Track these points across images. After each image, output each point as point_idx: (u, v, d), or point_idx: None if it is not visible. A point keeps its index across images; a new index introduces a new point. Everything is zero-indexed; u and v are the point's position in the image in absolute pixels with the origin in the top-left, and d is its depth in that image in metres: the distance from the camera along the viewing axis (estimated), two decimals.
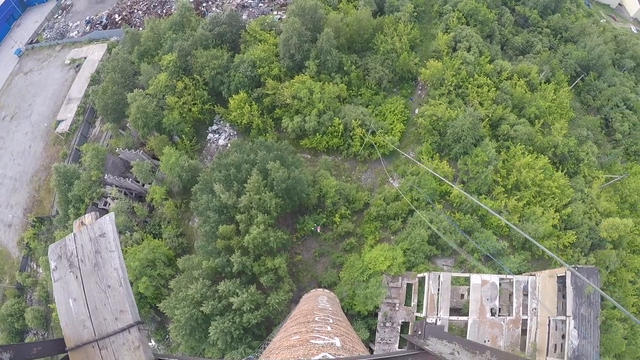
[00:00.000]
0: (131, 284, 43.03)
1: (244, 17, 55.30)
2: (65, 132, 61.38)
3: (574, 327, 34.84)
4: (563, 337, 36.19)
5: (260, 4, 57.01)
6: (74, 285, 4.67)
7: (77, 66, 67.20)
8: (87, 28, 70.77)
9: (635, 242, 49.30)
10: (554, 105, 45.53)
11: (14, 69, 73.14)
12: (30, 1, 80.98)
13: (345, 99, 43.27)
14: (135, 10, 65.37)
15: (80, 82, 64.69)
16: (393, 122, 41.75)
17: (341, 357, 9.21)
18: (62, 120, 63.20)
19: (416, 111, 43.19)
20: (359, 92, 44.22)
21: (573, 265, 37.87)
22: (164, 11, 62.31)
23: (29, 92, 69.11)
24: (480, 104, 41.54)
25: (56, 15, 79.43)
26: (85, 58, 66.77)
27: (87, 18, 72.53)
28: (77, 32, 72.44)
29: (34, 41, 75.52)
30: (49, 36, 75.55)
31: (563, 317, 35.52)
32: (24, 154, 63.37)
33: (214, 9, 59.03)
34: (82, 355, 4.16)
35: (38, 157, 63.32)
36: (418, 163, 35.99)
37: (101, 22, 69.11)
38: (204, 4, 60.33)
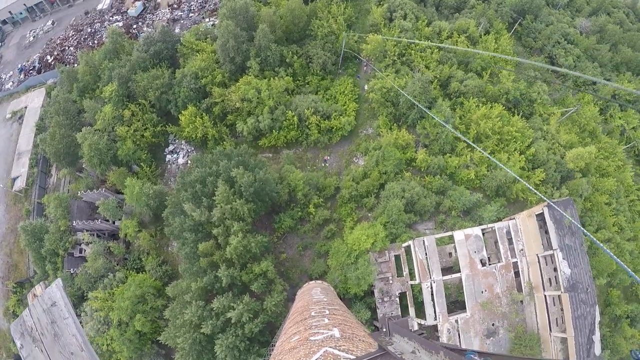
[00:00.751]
0: (127, 324, 42.45)
1: (177, 30, 53.83)
2: (23, 188, 58.66)
3: (563, 258, 35.92)
4: (555, 270, 37.40)
5: (190, 14, 55.56)
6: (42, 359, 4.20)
7: (19, 118, 64.00)
8: (22, 76, 67.31)
9: (602, 166, 51.56)
10: (498, 53, 46.59)
11: None
12: None
13: (294, 90, 42.92)
14: (67, 47, 62.51)
15: (27, 134, 61.69)
16: (345, 102, 41.78)
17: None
18: (17, 177, 60.32)
19: (365, 87, 43.39)
20: (306, 81, 43.96)
21: (548, 201, 38.92)
22: (96, 42, 59.86)
23: None
24: (427, 67, 42.06)
25: None
26: (26, 107, 63.63)
27: (20, 66, 68.97)
28: (12, 82, 68.82)
29: None
30: None
31: (550, 252, 36.56)
32: None
33: (145, 28, 57.13)
34: None
35: (2, 220, 60.35)
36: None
37: (34, 67, 65.84)
38: (134, 26, 58.28)
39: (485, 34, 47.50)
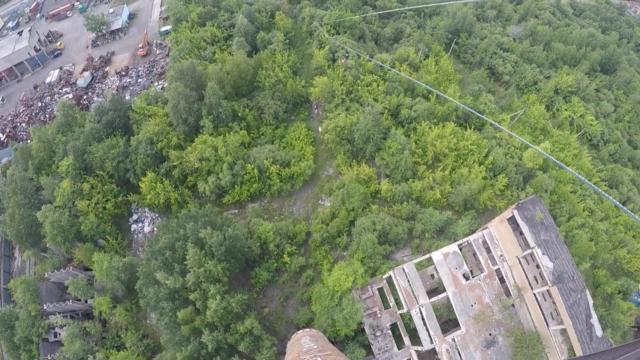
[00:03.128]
0: None
1: (127, 97, 53.90)
2: None
3: (543, 254, 36.41)
4: (538, 266, 37.95)
5: (139, 80, 55.91)
6: None
7: None
8: None
9: (559, 158, 54.02)
10: (439, 75, 49.17)
11: None
12: None
13: (250, 143, 43.37)
14: (18, 124, 61.00)
15: None
16: (302, 147, 42.48)
17: None
18: None
19: (319, 129, 44.40)
20: (261, 132, 44.58)
21: (516, 203, 40.01)
22: (47, 116, 58.81)
23: None
24: (375, 99, 43.68)
25: None
26: None
27: None
28: None
29: None
30: None
31: (529, 250, 37.08)
32: None
33: (95, 98, 56.86)
34: None
35: None
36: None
37: None
38: (85, 97, 57.88)
39: (425, 59, 50.17)
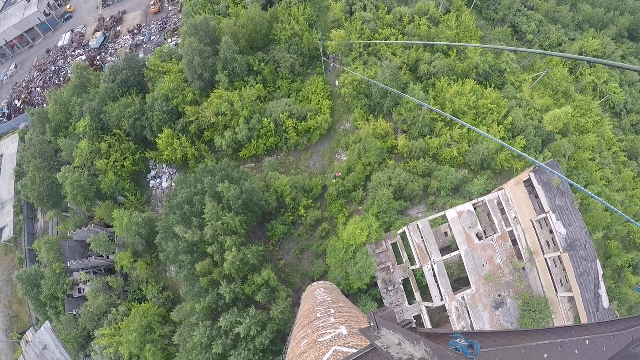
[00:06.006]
0: (138, 357, 42.08)
1: (141, 55, 53.38)
2: (11, 237, 57.64)
3: (557, 219, 36.12)
4: (551, 232, 37.72)
5: (152, 37, 55.12)
6: None
7: None
8: None
9: (580, 124, 52.47)
10: (461, 31, 47.14)
11: None
12: None
13: (266, 97, 42.85)
14: (33, 89, 61.51)
15: (7, 182, 60.55)
16: (319, 101, 41.84)
17: None
18: (4, 227, 59.16)
19: (336, 83, 43.52)
20: (277, 86, 43.91)
21: (533, 167, 39.33)
22: (62, 79, 58.99)
23: None
24: (394, 54, 42.29)
25: None
26: (1, 156, 62.44)
27: None
28: None
29: None
30: None
31: (543, 215, 36.78)
32: None
33: (109, 58, 56.53)
34: None
35: None
36: None
37: (4, 113, 64.63)
38: (98, 58, 57.62)
39: (446, 14, 47.99)
